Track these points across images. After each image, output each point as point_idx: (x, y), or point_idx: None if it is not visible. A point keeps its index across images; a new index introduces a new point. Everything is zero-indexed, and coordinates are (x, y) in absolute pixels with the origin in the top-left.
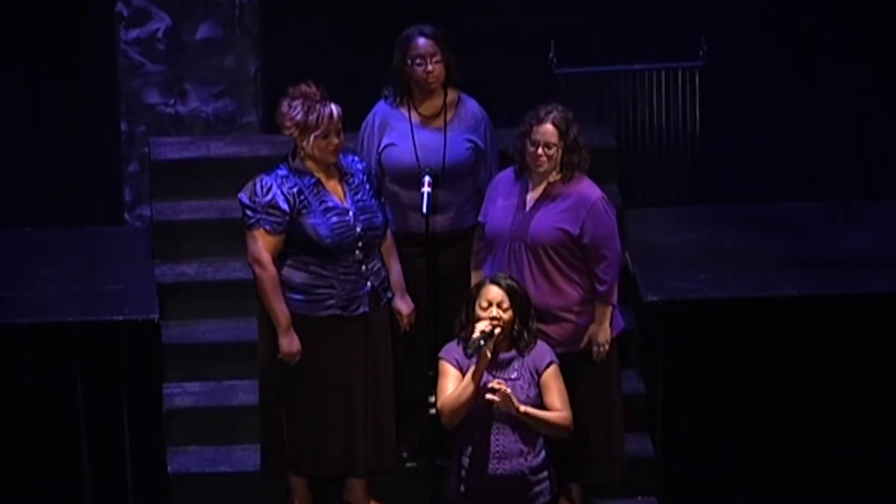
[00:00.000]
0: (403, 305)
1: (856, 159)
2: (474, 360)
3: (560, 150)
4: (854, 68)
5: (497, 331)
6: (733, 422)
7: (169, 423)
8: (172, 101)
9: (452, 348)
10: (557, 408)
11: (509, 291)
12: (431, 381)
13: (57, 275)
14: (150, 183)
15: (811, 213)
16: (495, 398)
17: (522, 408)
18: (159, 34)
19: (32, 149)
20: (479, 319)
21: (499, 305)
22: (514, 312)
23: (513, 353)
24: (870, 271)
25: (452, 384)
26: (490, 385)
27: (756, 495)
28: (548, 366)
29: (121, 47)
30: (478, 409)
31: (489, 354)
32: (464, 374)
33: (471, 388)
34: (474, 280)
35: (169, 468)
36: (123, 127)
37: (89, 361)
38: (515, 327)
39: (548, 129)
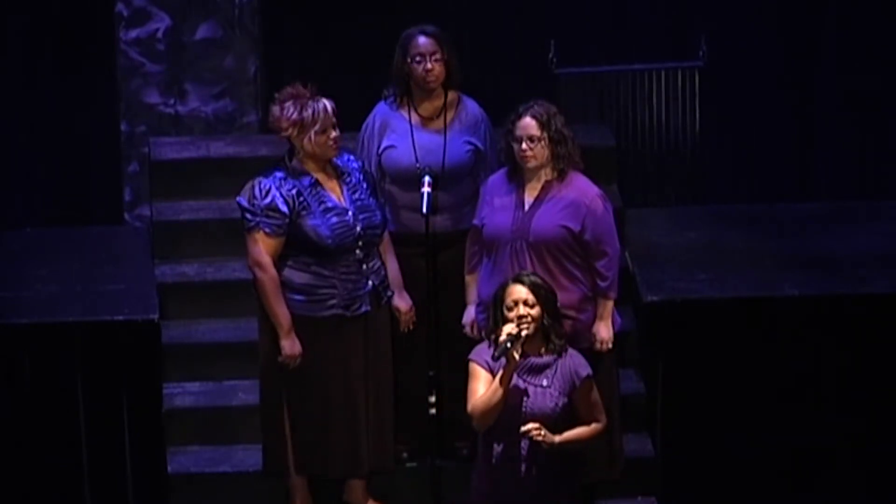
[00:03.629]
0: (402, 303)
1: (855, 159)
2: (502, 362)
3: (545, 143)
4: (854, 68)
5: (524, 332)
6: (733, 421)
7: (169, 423)
8: (172, 101)
9: (483, 350)
10: (586, 419)
11: (533, 288)
12: (431, 381)
13: (57, 275)
14: (150, 183)
15: (811, 213)
16: (534, 435)
17: (558, 439)
18: (159, 34)
19: (32, 149)
20: (507, 321)
21: (525, 303)
22: (542, 308)
23: (549, 358)
24: (870, 271)
25: (483, 386)
26: (523, 430)
27: (756, 495)
28: (585, 378)
29: (121, 47)
30: (508, 413)
31: (517, 357)
32: (494, 376)
33: (500, 392)
34: (469, 283)
35: (169, 468)
36: (123, 127)
37: (89, 361)
38: (545, 322)
39: (528, 123)
